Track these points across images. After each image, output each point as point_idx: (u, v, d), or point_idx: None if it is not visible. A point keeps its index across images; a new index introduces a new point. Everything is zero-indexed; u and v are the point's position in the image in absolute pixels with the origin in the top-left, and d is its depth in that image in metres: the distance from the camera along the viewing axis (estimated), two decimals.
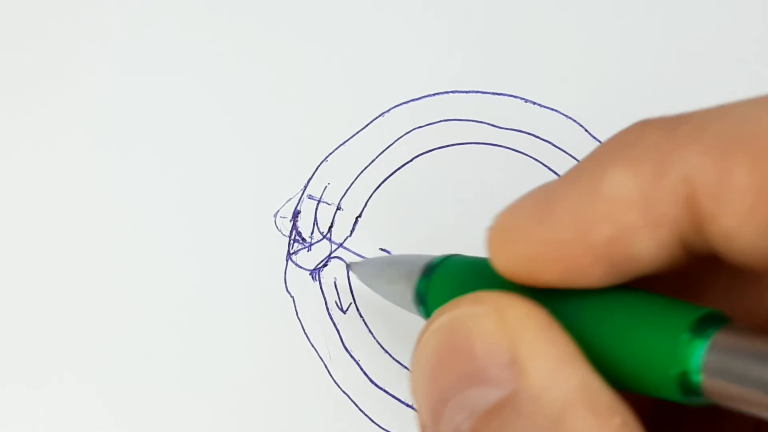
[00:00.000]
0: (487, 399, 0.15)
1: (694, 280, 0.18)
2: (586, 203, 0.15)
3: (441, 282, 0.21)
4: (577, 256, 0.16)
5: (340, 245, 0.30)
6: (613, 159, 0.15)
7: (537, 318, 0.16)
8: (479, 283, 0.19)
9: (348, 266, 0.29)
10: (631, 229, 0.15)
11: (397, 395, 0.29)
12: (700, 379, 0.14)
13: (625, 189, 0.15)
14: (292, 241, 0.30)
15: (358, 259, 0.30)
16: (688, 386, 0.15)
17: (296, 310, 0.30)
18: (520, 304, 0.16)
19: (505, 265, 0.17)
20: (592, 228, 0.15)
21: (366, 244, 0.30)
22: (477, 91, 0.31)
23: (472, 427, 0.15)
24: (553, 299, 0.17)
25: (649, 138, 0.15)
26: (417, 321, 0.27)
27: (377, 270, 0.26)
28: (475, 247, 0.30)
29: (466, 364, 0.16)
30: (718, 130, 0.14)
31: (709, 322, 0.15)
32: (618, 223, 0.15)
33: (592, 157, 0.16)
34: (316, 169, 0.31)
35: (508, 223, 0.16)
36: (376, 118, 0.31)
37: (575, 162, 0.31)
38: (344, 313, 0.30)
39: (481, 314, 0.16)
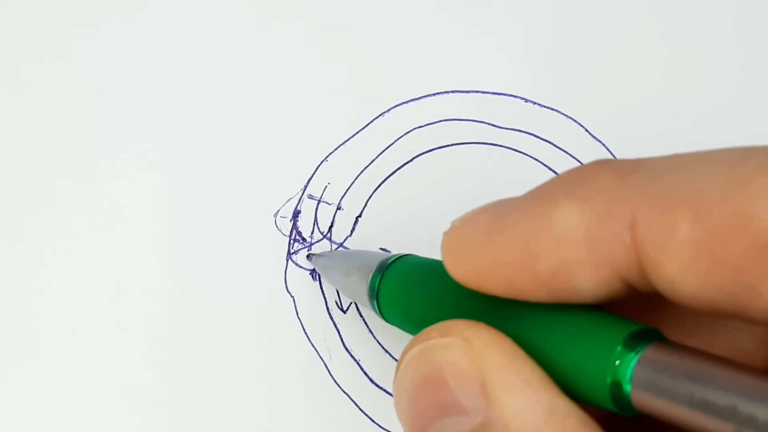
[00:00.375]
0: (463, 428, 0.16)
1: (639, 302, 0.18)
2: (534, 233, 0.16)
3: (392, 279, 0.22)
4: (521, 279, 0.16)
5: (341, 245, 0.30)
6: (565, 194, 0.16)
7: (502, 346, 0.16)
8: (427, 283, 0.20)
9: (308, 256, 0.29)
10: (575, 264, 0.16)
11: None
12: (629, 391, 0.15)
13: (573, 225, 0.16)
14: (292, 241, 0.30)
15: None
16: (619, 398, 0.15)
17: (296, 310, 0.30)
18: (486, 334, 0.17)
19: (456, 270, 0.18)
20: (536, 257, 0.16)
21: (366, 244, 0.30)
22: (477, 91, 0.31)
23: None
24: (500, 307, 0.17)
25: (602, 179, 0.16)
26: None
27: (336, 263, 0.27)
28: None
29: (440, 393, 0.16)
30: (665, 182, 0.15)
31: (641, 338, 0.15)
32: (562, 257, 0.16)
33: (545, 187, 0.17)
34: (317, 168, 0.31)
35: (461, 233, 0.17)
36: (377, 117, 0.31)
37: (575, 162, 0.31)
38: (344, 312, 0.30)
39: (449, 345, 0.17)
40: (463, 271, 0.17)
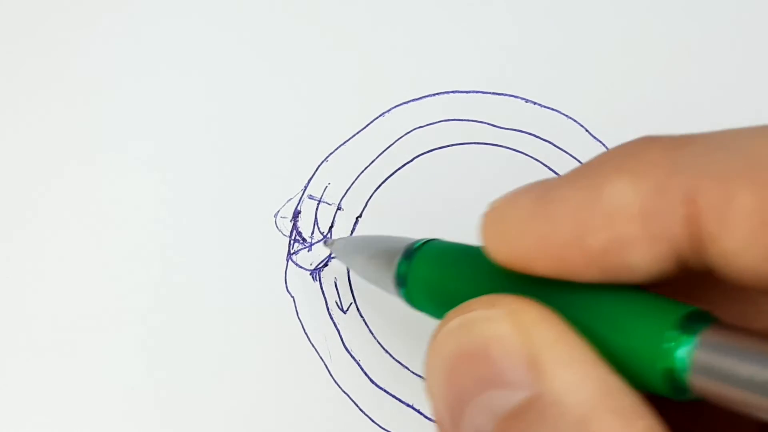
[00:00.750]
0: (509, 402, 0.15)
1: (686, 285, 0.18)
2: (586, 208, 0.15)
3: (422, 264, 0.21)
4: (571, 256, 0.16)
5: None
6: (616, 169, 0.15)
7: (552, 321, 0.16)
8: (462, 268, 0.20)
9: (325, 242, 0.29)
10: (629, 240, 0.15)
11: (397, 395, 0.29)
12: (685, 375, 0.15)
13: (626, 200, 0.15)
14: (292, 241, 0.30)
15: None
16: (674, 382, 0.15)
17: (296, 310, 0.30)
18: (535, 308, 0.16)
19: (498, 252, 0.17)
20: (589, 233, 0.15)
21: None
22: (477, 91, 0.31)
23: (495, 429, 0.15)
24: (544, 288, 0.17)
25: (653, 153, 0.15)
26: (418, 320, 0.27)
27: (357, 248, 0.26)
28: None
29: (483, 367, 0.16)
30: (723, 155, 0.15)
31: (696, 320, 0.15)
32: (616, 233, 0.15)
33: (594, 163, 0.16)
34: (317, 169, 0.31)
35: (504, 212, 0.17)
36: (377, 118, 0.31)
37: (575, 162, 0.31)
38: (344, 313, 0.30)
39: (495, 317, 0.16)
40: (506, 253, 0.17)
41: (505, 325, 0.16)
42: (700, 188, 0.14)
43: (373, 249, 0.24)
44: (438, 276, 0.20)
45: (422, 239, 0.22)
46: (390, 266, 0.22)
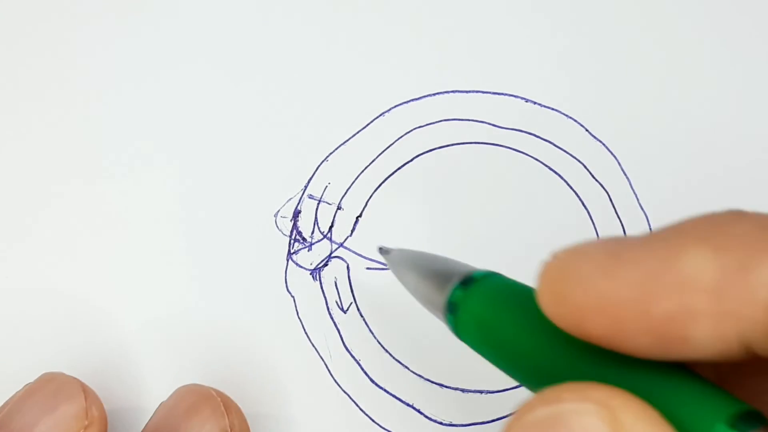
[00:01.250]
0: None
1: (734, 372, 0.17)
2: (658, 272, 0.15)
3: (479, 299, 0.20)
4: (631, 320, 0.15)
5: (341, 245, 0.30)
6: (698, 238, 0.15)
7: (652, 420, 0.15)
8: (517, 315, 0.19)
9: (380, 249, 0.27)
10: (696, 314, 0.14)
11: (397, 395, 0.29)
12: None
13: (702, 272, 0.14)
14: (292, 241, 0.30)
15: (359, 259, 0.30)
16: None
17: (297, 310, 0.30)
18: (633, 404, 0.15)
19: (552, 306, 0.16)
20: (656, 298, 0.15)
21: (366, 244, 0.30)
22: (477, 91, 0.31)
23: None
24: (590, 357, 0.16)
25: (740, 228, 0.14)
26: (418, 320, 0.27)
27: (413, 263, 0.24)
28: (473, 247, 0.30)
29: None
30: None
31: (748, 420, 0.14)
32: (684, 304, 0.14)
33: (675, 228, 0.15)
34: (317, 168, 0.31)
35: (569, 265, 0.16)
36: (377, 117, 0.31)
37: (575, 162, 0.31)
38: (345, 312, 0.30)
39: (588, 412, 0.15)
40: (561, 307, 0.16)
41: (599, 422, 0.15)
42: None
43: (430, 267, 0.23)
44: (492, 316, 0.20)
45: (483, 271, 0.21)
46: (443, 290, 0.21)
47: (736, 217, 0.15)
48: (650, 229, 0.30)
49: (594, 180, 0.30)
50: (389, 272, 0.29)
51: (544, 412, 0.15)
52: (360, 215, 0.30)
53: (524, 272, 0.30)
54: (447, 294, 0.21)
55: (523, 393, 0.18)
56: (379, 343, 0.30)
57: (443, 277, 0.22)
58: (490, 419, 0.29)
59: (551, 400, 0.15)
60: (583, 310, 0.15)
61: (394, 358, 0.30)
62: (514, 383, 0.28)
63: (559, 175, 0.30)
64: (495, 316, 0.19)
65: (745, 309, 0.14)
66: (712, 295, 0.14)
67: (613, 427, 0.14)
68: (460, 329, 0.21)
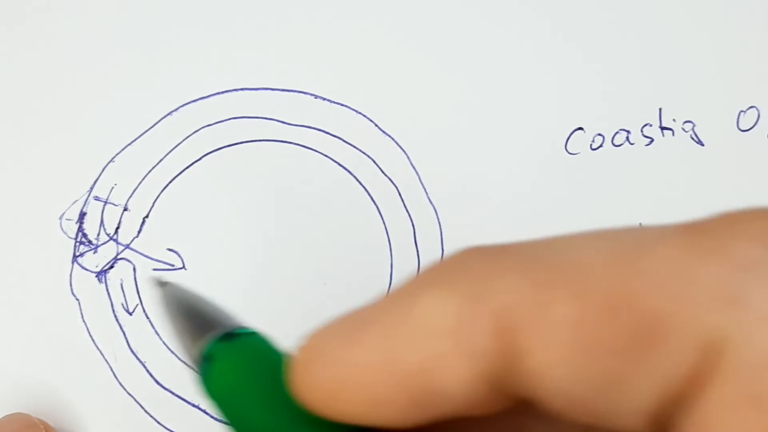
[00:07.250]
0: None
1: (513, 426, 0.16)
2: (396, 327, 0.14)
3: (232, 358, 0.18)
4: (382, 384, 0.14)
5: (127, 246, 0.30)
6: (430, 283, 0.14)
7: None
8: (268, 388, 0.17)
9: (155, 281, 0.26)
10: (440, 358, 0.13)
11: (183, 396, 0.29)
12: None
13: (438, 315, 0.13)
14: (77, 244, 0.30)
15: (146, 260, 0.30)
16: None
17: (81, 314, 0.29)
18: None
19: (307, 392, 0.15)
20: (398, 354, 0.14)
21: (153, 245, 0.30)
22: (266, 88, 0.31)
23: None
24: None
25: (469, 264, 0.14)
26: None
27: (179, 302, 0.21)
28: (262, 246, 0.30)
29: None
30: (541, 261, 0.13)
31: None
32: (426, 351, 0.13)
33: (410, 281, 0.15)
34: (103, 169, 0.30)
35: (315, 344, 0.15)
36: (165, 117, 0.31)
37: (365, 157, 0.31)
38: (131, 314, 0.30)
39: None
40: (314, 390, 0.14)
41: None
42: (515, 296, 0.13)
43: (196, 312, 0.20)
44: (241, 384, 0.17)
45: (249, 329, 0.19)
46: (201, 340, 0.19)
47: (466, 253, 0.14)
48: (439, 223, 0.30)
49: (383, 175, 0.30)
50: (176, 273, 0.29)
51: None
52: (147, 216, 0.30)
53: (313, 270, 0.30)
54: (203, 345, 0.19)
55: None
56: (165, 345, 0.29)
57: (205, 325, 0.19)
58: None
59: None
60: (335, 387, 0.14)
61: (179, 359, 0.29)
62: None
63: (349, 171, 0.30)
64: (243, 384, 0.17)
65: (483, 341, 0.13)
66: (451, 336, 0.13)
67: None
68: (208, 385, 0.18)
